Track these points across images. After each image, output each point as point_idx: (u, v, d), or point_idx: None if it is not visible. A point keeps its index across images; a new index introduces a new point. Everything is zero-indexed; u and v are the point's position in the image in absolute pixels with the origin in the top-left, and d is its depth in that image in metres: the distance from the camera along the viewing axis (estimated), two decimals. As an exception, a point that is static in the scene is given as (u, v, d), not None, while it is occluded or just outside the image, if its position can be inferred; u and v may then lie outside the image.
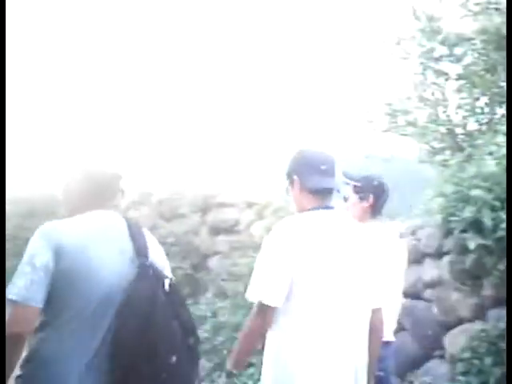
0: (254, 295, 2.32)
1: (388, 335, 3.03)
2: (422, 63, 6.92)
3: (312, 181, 2.40)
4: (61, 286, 1.94)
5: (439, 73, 6.88)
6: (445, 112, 6.95)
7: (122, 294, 1.94)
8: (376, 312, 2.44)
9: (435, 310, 4.62)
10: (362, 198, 3.13)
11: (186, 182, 7.02)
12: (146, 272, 2.00)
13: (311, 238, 2.30)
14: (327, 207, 2.41)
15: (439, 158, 6.42)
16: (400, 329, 4.13)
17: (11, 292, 1.91)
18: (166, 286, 2.03)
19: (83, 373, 1.92)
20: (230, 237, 6.04)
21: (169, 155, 8.37)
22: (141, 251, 2.06)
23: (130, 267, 2.01)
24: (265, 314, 2.29)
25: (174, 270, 5.94)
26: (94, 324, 1.95)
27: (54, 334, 1.96)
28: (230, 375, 4.85)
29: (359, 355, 2.35)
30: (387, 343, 2.99)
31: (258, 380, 3.79)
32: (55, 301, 1.95)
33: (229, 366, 2.46)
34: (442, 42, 6.70)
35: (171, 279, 2.10)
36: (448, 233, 4.49)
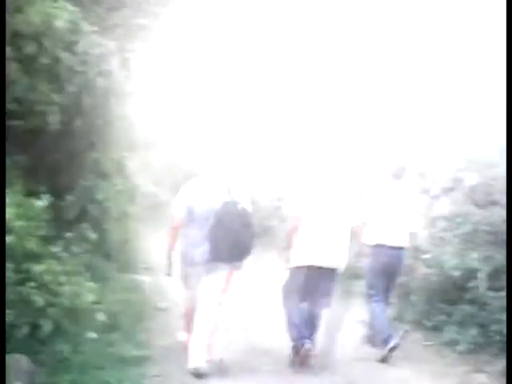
0: (290, 212, 5.23)
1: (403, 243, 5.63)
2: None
3: None
4: (190, 210, 4.82)
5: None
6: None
7: (216, 211, 4.75)
8: (356, 227, 5.31)
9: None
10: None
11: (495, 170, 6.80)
12: (227, 202, 4.79)
13: (317, 185, 5.19)
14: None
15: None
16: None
17: (173, 213, 4.92)
18: (239, 209, 4.78)
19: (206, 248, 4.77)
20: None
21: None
22: (228, 192, 4.83)
23: (222, 200, 4.79)
24: (296, 220, 5.09)
25: (487, 258, 6.12)
26: (205, 224, 4.75)
27: (191, 228, 4.85)
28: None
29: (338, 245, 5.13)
30: (402, 248, 5.63)
31: None
32: (189, 216, 4.83)
33: (283, 248, 5.24)
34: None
35: (243, 207, 4.82)
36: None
